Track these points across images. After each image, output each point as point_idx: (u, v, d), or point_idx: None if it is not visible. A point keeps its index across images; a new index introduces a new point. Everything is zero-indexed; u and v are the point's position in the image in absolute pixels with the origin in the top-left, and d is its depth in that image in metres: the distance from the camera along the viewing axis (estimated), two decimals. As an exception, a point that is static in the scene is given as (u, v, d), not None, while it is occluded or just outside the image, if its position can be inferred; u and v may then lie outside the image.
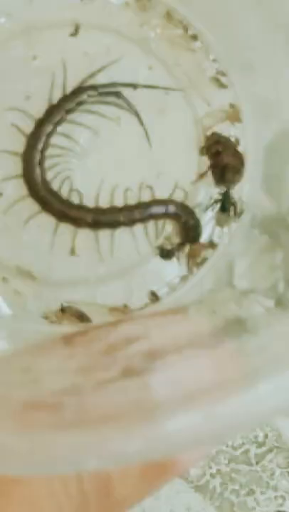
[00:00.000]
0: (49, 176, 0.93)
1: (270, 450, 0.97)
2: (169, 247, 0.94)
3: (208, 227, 0.96)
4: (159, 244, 0.94)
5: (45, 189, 0.91)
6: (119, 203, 0.94)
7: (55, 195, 0.92)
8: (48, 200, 0.92)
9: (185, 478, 0.97)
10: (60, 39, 0.95)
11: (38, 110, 0.93)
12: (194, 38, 0.96)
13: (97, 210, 0.93)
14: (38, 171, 0.91)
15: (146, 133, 0.94)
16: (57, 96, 0.94)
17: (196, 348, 0.58)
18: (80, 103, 0.94)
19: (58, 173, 0.93)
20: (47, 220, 0.93)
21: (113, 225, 0.93)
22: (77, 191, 0.93)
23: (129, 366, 0.55)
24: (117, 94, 0.94)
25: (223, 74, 0.96)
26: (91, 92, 0.94)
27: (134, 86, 0.94)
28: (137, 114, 0.94)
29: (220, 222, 0.95)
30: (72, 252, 0.93)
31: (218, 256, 0.95)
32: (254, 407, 0.41)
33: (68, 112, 0.94)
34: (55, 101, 0.94)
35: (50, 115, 0.93)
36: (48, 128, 0.93)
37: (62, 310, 0.92)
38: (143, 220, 0.93)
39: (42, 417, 0.47)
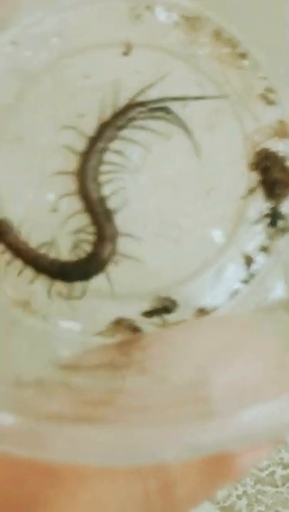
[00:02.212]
0: (105, 191, 0.94)
1: None
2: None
3: (258, 239, 0.97)
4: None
5: (102, 207, 0.93)
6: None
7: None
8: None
9: (211, 499, 0.97)
10: (112, 58, 0.97)
11: (91, 128, 0.95)
12: (243, 56, 0.98)
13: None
14: (93, 186, 0.93)
15: (196, 147, 0.96)
16: (108, 114, 0.96)
17: (247, 350, 0.59)
18: (131, 119, 0.96)
19: (113, 190, 0.94)
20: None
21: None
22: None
23: (186, 369, 0.57)
24: (167, 110, 0.96)
25: (272, 91, 0.97)
26: (141, 108, 0.96)
27: (183, 99, 0.96)
28: (186, 128, 0.96)
29: (271, 236, 0.96)
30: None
31: (270, 267, 0.96)
32: None
33: (119, 128, 0.95)
34: (106, 119, 0.95)
35: (102, 132, 0.95)
36: (101, 145, 0.94)
37: (117, 323, 0.93)
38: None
39: (116, 414, 0.48)
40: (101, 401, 0.53)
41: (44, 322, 0.94)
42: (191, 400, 0.51)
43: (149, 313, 0.94)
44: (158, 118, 0.96)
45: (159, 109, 0.95)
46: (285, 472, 0.98)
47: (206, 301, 0.96)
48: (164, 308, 0.94)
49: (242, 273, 0.97)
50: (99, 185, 0.94)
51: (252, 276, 0.97)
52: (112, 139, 0.95)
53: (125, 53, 0.97)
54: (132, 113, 0.95)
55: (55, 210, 0.95)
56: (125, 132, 0.96)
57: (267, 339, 0.62)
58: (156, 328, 0.94)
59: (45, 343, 0.93)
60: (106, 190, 0.94)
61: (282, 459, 0.97)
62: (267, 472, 0.97)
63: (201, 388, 0.52)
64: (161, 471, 0.52)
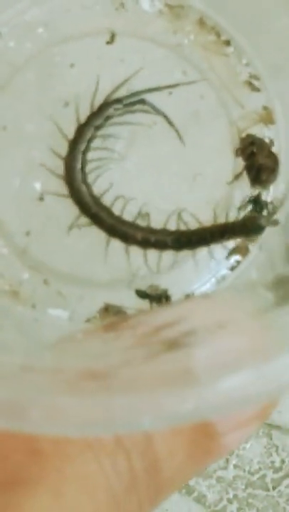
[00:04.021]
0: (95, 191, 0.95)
1: (287, 475, 0.98)
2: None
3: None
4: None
5: (96, 204, 0.94)
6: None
7: (106, 210, 0.94)
8: (98, 216, 0.94)
9: (203, 503, 0.97)
10: (97, 47, 0.97)
11: (77, 116, 0.96)
12: (227, 43, 0.98)
13: (148, 230, 0.95)
14: (84, 189, 0.94)
15: (179, 134, 0.96)
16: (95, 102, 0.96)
17: (230, 326, 0.60)
18: (108, 117, 0.96)
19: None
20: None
21: (161, 246, 0.95)
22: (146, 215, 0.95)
23: (173, 342, 0.57)
24: (142, 101, 0.96)
25: (256, 77, 0.98)
26: (117, 105, 0.96)
27: (156, 89, 0.96)
28: (165, 116, 0.96)
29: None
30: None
31: (256, 252, 0.96)
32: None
33: (97, 128, 0.96)
34: (83, 120, 0.96)
35: (81, 134, 0.95)
36: (82, 146, 0.95)
37: (105, 309, 0.94)
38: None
39: (96, 385, 0.48)
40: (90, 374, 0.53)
41: (33, 311, 0.95)
42: (172, 370, 0.51)
43: (142, 294, 0.95)
44: (135, 111, 0.96)
45: (134, 102, 0.96)
46: (276, 476, 0.98)
47: (194, 287, 0.96)
48: (157, 296, 0.94)
49: (229, 260, 0.97)
50: (88, 186, 0.94)
51: (238, 263, 0.97)
52: (92, 140, 0.95)
53: (108, 42, 0.97)
54: (109, 111, 0.95)
55: (41, 198, 0.95)
56: (104, 130, 0.96)
57: (248, 315, 0.63)
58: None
59: (34, 331, 0.94)
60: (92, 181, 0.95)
61: (273, 462, 0.98)
62: (258, 476, 0.98)
63: (181, 359, 0.53)
64: (147, 449, 0.52)
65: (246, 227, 0.94)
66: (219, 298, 0.80)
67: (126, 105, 0.96)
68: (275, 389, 0.44)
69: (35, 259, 0.95)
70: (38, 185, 0.95)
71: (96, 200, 0.94)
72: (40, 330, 0.93)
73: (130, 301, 0.95)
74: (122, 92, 0.97)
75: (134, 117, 0.97)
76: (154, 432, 0.52)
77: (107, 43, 0.97)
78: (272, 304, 0.70)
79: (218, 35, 0.98)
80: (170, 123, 0.96)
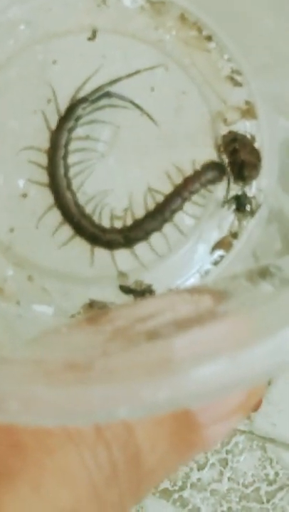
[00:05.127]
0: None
1: (281, 488, 0.98)
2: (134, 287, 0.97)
3: (227, 222, 0.98)
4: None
5: (79, 213, 0.94)
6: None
7: (89, 219, 0.95)
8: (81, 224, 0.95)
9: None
10: (79, 43, 0.98)
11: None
12: (209, 38, 0.99)
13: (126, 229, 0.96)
14: (68, 195, 0.94)
15: (151, 117, 0.97)
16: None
17: (211, 317, 0.60)
18: (78, 118, 0.97)
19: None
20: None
21: (144, 236, 0.96)
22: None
23: (153, 332, 0.57)
24: (108, 94, 0.97)
25: (238, 73, 0.98)
26: (83, 104, 0.96)
27: (117, 80, 0.97)
28: (133, 103, 0.97)
29: (238, 218, 0.97)
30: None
31: (239, 247, 0.97)
32: (275, 353, 0.43)
33: (70, 131, 0.96)
34: (54, 127, 0.96)
35: (56, 141, 0.95)
36: (61, 153, 0.95)
37: (89, 305, 0.94)
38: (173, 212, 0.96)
39: (74, 375, 0.48)
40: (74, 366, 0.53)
41: (17, 307, 0.95)
42: (151, 359, 0.51)
43: (126, 290, 0.95)
44: (103, 107, 0.96)
45: (100, 97, 0.96)
46: (270, 488, 0.98)
47: (178, 282, 0.97)
48: (141, 292, 0.95)
49: (212, 255, 0.98)
50: (73, 193, 0.95)
51: (222, 257, 0.98)
52: (68, 143, 0.96)
53: (90, 38, 0.97)
54: (77, 112, 0.96)
55: (25, 195, 0.96)
56: (84, 130, 0.97)
57: (229, 306, 0.63)
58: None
59: (19, 327, 0.94)
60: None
61: (267, 475, 0.98)
62: (252, 488, 0.98)
63: (161, 348, 0.53)
64: (128, 442, 0.52)
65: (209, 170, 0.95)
66: (201, 290, 0.80)
67: (92, 101, 0.96)
68: (250, 377, 0.45)
69: (20, 255, 0.95)
70: (21, 182, 0.95)
71: (80, 209, 0.95)
72: (25, 326, 0.94)
73: (115, 297, 0.96)
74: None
75: (115, 116, 0.97)
76: (135, 423, 0.52)
77: (89, 39, 0.98)
78: (253, 295, 0.71)
79: (199, 30, 0.99)
80: (140, 108, 0.97)
